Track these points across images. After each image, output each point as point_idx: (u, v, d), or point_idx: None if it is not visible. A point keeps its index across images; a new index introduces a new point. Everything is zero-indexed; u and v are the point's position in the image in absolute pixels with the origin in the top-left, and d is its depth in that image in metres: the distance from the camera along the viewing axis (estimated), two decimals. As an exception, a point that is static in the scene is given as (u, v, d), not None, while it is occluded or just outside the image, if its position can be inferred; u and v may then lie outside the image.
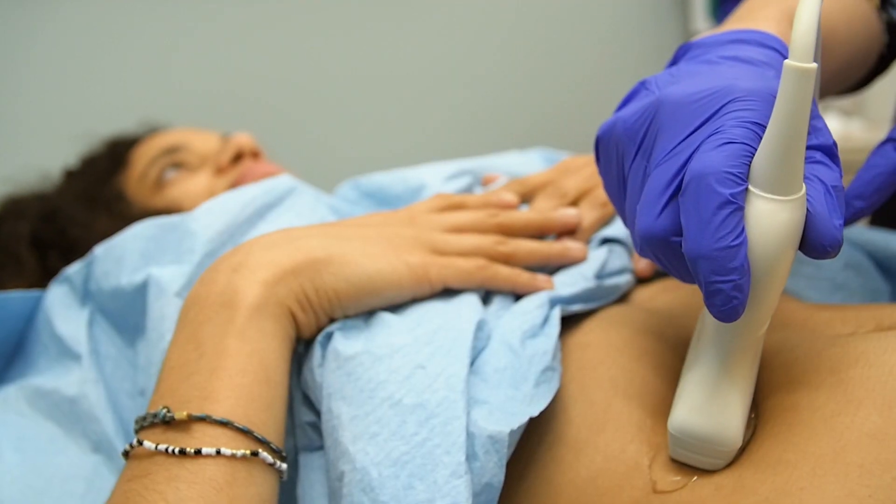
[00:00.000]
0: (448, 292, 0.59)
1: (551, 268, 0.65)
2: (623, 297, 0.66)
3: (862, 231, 0.70)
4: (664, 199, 0.42)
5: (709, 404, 0.44)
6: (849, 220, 0.56)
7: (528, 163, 0.86)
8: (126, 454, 0.49)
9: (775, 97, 0.42)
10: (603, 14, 1.98)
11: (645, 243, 0.43)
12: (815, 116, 0.44)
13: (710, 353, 0.45)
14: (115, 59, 1.47)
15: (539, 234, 0.66)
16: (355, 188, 0.78)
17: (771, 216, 0.39)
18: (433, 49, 1.79)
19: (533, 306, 0.57)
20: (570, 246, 0.64)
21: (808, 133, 0.43)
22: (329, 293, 0.55)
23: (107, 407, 0.62)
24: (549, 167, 0.84)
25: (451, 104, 1.81)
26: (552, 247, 0.64)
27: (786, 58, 0.48)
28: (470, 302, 0.58)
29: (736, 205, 0.39)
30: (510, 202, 0.68)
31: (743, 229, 0.39)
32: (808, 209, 0.40)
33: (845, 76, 0.68)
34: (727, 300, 0.39)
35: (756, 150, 0.40)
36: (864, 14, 0.66)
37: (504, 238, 0.63)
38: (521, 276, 0.61)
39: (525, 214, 0.66)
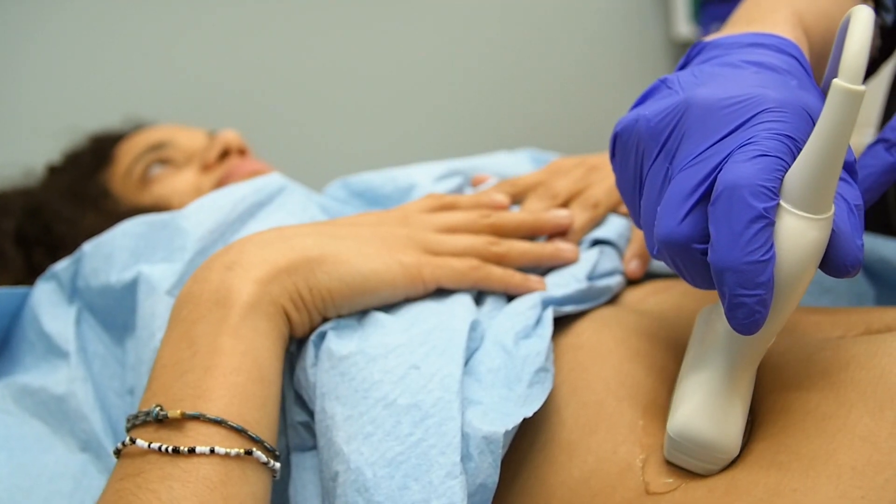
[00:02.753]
0: (441, 292, 0.59)
1: (542, 269, 0.65)
2: (614, 299, 0.66)
3: (848, 235, 0.70)
4: (688, 204, 0.41)
5: (713, 411, 0.44)
6: None
7: (516, 163, 0.86)
8: (118, 452, 0.48)
9: (806, 111, 0.42)
10: (587, 18, 1.99)
11: (664, 247, 0.43)
12: None
13: (718, 360, 0.45)
14: (99, 54, 1.46)
15: (531, 234, 0.66)
16: (345, 187, 0.78)
17: (801, 234, 0.39)
18: (421, 50, 1.79)
19: (525, 307, 0.57)
20: (562, 247, 0.64)
21: None
22: (323, 292, 0.55)
23: (95, 405, 0.62)
24: (538, 168, 0.84)
25: (438, 105, 1.81)
26: (544, 248, 0.64)
27: (803, 65, 0.48)
28: (463, 302, 0.58)
29: (768, 220, 0.39)
30: (502, 203, 0.68)
31: (773, 245, 0.39)
32: (832, 228, 0.40)
33: None
34: (750, 314, 0.39)
35: (789, 164, 0.40)
36: None
37: (497, 239, 0.63)
38: (514, 277, 0.61)
39: (517, 215, 0.66)
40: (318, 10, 1.65)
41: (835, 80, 0.37)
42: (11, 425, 0.61)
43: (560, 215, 0.66)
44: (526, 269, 0.63)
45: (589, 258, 0.65)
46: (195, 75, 1.53)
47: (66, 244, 0.87)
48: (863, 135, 1.82)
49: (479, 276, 0.60)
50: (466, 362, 0.54)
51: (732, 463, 0.45)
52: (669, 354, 0.55)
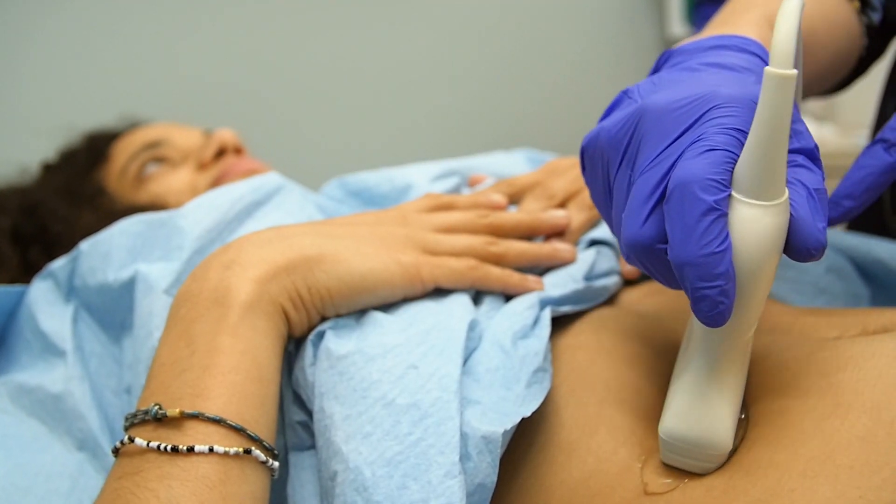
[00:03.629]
0: (439, 292, 0.59)
1: (540, 269, 0.65)
2: (611, 300, 0.66)
3: (844, 236, 0.71)
4: (648, 206, 0.42)
5: (697, 409, 0.45)
6: (839, 220, 0.56)
7: (513, 163, 0.86)
8: (116, 451, 0.48)
9: (757, 103, 0.42)
10: (582, 19, 2.00)
11: (631, 251, 0.44)
12: (796, 120, 0.45)
13: (698, 357, 0.45)
14: (95, 53, 1.46)
15: (528, 235, 0.66)
16: (341, 187, 0.78)
17: (754, 221, 0.40)
18: (418, 50, 1.79)
19: (523, 307, 0.57)
20: (560, 247, 0.65)
21: (790, 137, 0.44)
22: (321, 291, 0.55)
23: (92, 404, 0.61)
24: (534, 168, 0.84)
25: (434, 104, 1.82)
26: (542, 248, 0.64)
27: (767, 62, 0.49)
28: (462, 302, 0.58)
29: (720, 211, 0.40)
30: (499, 203, 0.68)
31: (727, 235, 0.40)
32: (791, 213, 0.41)
33: (825, 78, 0.69)
34: (713, 305, 0.40)
35: (738, 156, 0.41)
36: (844, 16, 0.66)
37: (495, 239, 0.63)
38: (513, 277, 0.61)
39: (515, 215, 0.66)
40: (315, 10, 1.65)
41: (766, 68, 0.38)
42: (8, 424, 0.61)
43: (557, 216, 0.67)
44: (523, 269, 0.64)
45: (586, 258, 0.65)
46: (191, 74, 1.53)
47: (62, 242, 0.87)
48: (857, 136, 1.83)
49: (478, 276, 0.60)
50: (465, 362, 0.54)
51: (730, 463, 0.45)
52: (666, 359, 0.56)
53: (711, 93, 0.43)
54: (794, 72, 0.38)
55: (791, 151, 0.44)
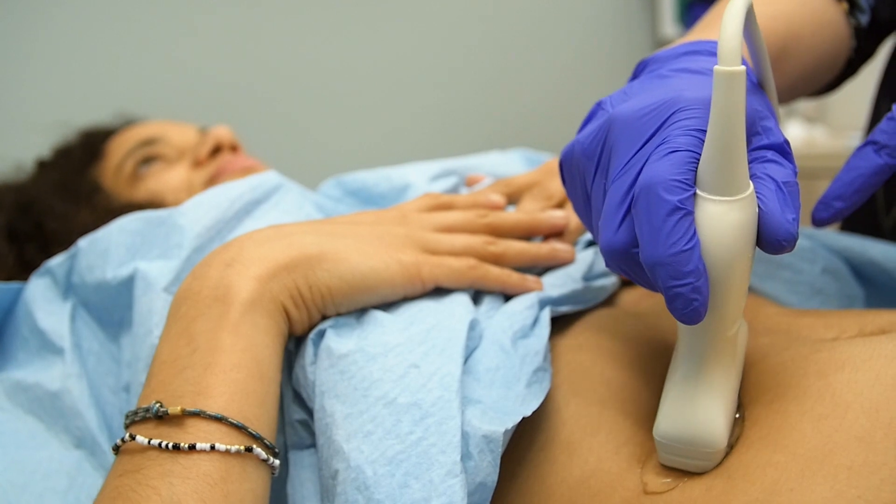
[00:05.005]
0: (439, 292, 0.59)
1: (539, 269, 0.65)
2: (610, 301, 0.66)
3: (838, 237, 0.71)
4: (621, 213, 0.43)
5: (688, 408, 0.45)
6: (829, 221, 0.57)
7: (509, 163, 0.86)
8: (116, 449, 0.48)
9: None
10: (576, 20, 2.01)
11: (608, 257, 0.45)
12: (765, 117, 0.46)
13: (685, 357, 0.46)
14: (90, 50, 1.45)
15: (527, 235, 0.66)
16: (339, 186, 0.78)
17: (721, 217, 0.41)
18: (414, 50, 1.79)
19: (523, 307, 0.58)
20: (559, 247, 0.65)
21: (759, 133, 0.45)
22: (322, 290, 0.55)
23: (90, 402, 0.61)
24: (530, 167, 0.85)
25: (430, 104, 1.82)
26: (541, 248, 0.64)
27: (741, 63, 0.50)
28: (462, 301, 0.58)
29: (685, 210, 0.40)
30: (498, 203, 0.68)
31: (694, 233, 0.40)
32: (759, 206, 0.42)
33: (813, 79, 0.69)
34: (687, 303, 0.40)
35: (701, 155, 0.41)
36: (832, 19, 0.67)
37: (494, 238, 0.63)
38: (512, 277, 0.61)
39: (514, 215, 0.66)
40: (313, 9, 1.65)
41: (715, 66, 0.39)
42: (5, 421, 0.61)
43: (556, 216, 0.67)
44: (522, 269, 0.64)
45: (585, 259, 0.65)
46: (187, 72, 1.53)
47: (58, 240, 0.86)
48: (848, 137, 1.85)
49: (477, 276, 0.60)
50: (465, 361, 0.54)
51: (729, 463, 0.46)
52: (664, 359, 0.56)
53: (675, 97, 0.44)
54: (742, 68, 0.39)
55: (760, 147, 0.44)
